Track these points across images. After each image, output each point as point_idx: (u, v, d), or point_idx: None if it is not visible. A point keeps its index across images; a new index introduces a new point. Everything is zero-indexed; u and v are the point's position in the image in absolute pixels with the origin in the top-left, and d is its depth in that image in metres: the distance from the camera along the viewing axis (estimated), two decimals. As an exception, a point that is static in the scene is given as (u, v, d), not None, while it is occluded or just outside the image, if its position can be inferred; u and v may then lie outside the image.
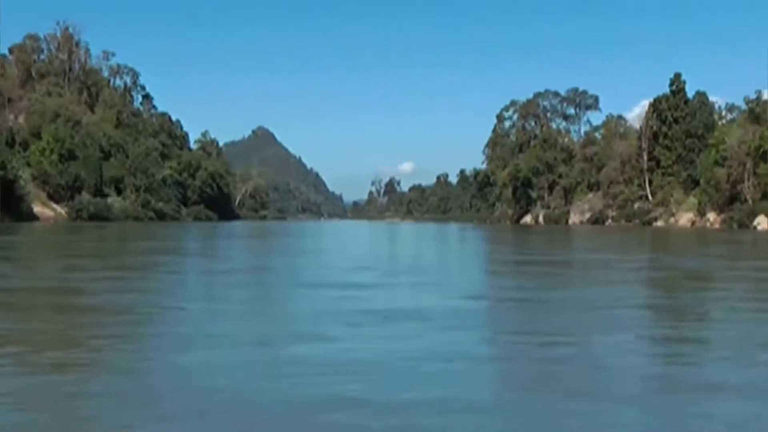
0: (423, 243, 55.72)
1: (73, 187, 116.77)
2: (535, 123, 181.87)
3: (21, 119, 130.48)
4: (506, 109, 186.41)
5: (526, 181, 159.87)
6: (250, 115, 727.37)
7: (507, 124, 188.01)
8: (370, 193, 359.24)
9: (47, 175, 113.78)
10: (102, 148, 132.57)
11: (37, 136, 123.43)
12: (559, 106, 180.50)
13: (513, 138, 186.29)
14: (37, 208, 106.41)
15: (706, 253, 41.18)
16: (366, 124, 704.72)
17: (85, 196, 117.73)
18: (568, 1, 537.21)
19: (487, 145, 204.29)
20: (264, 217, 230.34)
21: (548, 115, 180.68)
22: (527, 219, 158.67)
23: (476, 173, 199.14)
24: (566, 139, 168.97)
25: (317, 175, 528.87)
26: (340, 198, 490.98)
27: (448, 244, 55.12)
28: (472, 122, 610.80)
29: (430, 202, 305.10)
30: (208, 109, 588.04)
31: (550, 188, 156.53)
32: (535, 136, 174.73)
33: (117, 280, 20.82)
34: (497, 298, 18.65)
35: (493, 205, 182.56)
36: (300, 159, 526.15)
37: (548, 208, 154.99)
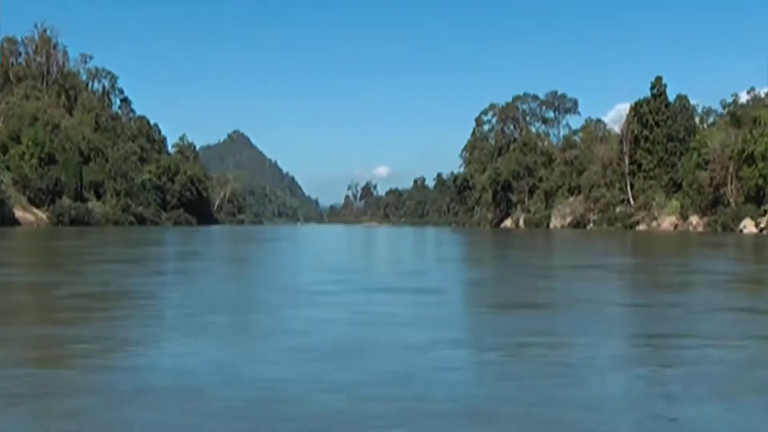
0: (419, 248, 55.05)
1: (54, 192, 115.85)
2: (514, 127, 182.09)
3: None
4: (485, 112, 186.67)
5: (506, 184, 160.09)
6: (225, 118, 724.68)
7: (486, 127, 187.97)
8: (347, 197, 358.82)
9: (27, 179, 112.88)
10: (81, 152, 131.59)
11: (16, 139, 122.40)
12: (538, 110, 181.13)
13: (492, 142, 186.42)
14: (18, 213, 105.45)
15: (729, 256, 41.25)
16: (341, 128, 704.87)
17: (66, 200, 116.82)
18: (546, 4, 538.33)
19: (464, 149, 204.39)
20: (242, 222, 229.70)
21: (527, 118, 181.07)
22: (507, 223, 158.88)
23: (455, 177, 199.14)
24: (546, 143, 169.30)
25: (293, 179, 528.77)
26: (316, 202, 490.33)
27: (448, 249, 54.50)
28: (449, 126, 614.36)
29: (407, 206, 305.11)
30: (184, 112, 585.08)
31: (531, 192, 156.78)
32: (515, 140, 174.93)
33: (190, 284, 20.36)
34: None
35: (473, 208, 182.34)
36: (276, 163, 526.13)
37: (528, 212, 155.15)
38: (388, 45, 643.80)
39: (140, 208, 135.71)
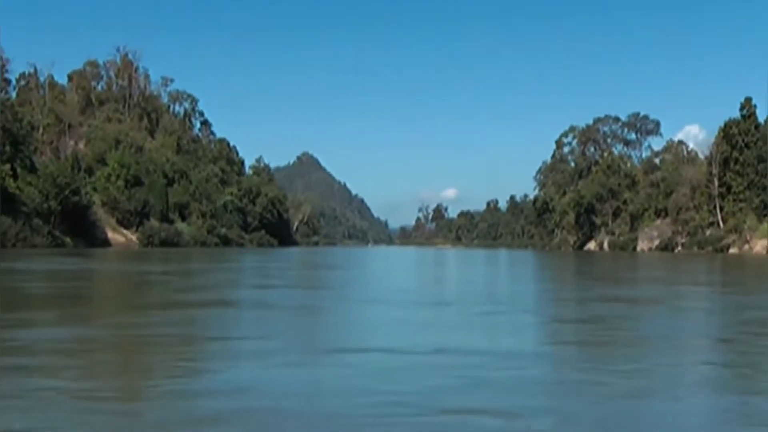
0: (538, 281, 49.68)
1: (141, 213, 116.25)
2: (595, 149, 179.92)
3: (81, 145, 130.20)
4: (565, 134, 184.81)
5: (590, 207, 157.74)
6: (294, 140, 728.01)
7: (566, 149, 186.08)
8: (418, 219, 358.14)
9: (116, 201, 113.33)
10: (165, 174, 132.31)
11: (102, 162, 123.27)
12: (619, 131, 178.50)
13: (572, 164, 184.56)
14: (109, 234, 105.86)
15: None
16: (409, 150, 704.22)
17: (153, 222, 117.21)
18: (611, 22, 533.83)
19: (539, 171, 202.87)
20: (316, 243, 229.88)
21: (608, 140, 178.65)
22: (590, 245, 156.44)
23: (534, 199, 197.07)
24: (628, 165, 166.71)
25: (362, 200, 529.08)
26: (386, 224, 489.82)
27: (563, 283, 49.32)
28: (517, 148, 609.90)
29: (479, 229, 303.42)
30: (253, 134, 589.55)
31: (615, 214, 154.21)
32: (596, 162, 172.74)
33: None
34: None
35: (552, 231, 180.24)
36: (345, 185, 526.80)
37: (613, 234, 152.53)
38: (457, 67, 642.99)
39: (224, 230, 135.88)
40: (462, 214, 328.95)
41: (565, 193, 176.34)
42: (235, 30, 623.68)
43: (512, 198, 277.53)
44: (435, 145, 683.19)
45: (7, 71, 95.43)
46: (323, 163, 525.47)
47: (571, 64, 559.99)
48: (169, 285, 30.86)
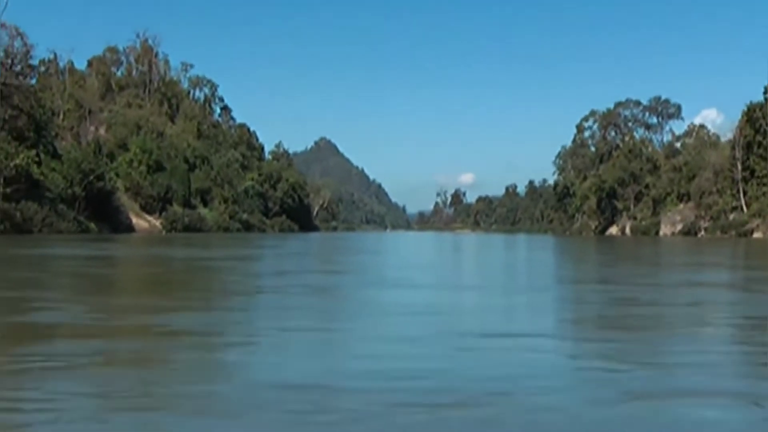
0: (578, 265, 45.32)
1: (164, 199, 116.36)
2: (616, 133, 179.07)
3: (102, 131, 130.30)
4: (586, 119, 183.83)
5: (611, 191, 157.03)
6: (312, 125, 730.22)
7: (586, 134, 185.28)
8: (436, 204, 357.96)
9: (139, 186, 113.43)
10: (186, 160, 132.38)
11: (123, 147, 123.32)
12: (640, 115, 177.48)
13: (592, 148, 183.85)
14: (133, 219, 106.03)
15: None
16: (426, 135, 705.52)
17: (176, 207, 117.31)
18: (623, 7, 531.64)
19: (558, 156, 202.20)
20: (335, 229, 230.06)
21: (629, 124, 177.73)
22: (612, 230, 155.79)
23: (555, 184, 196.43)
24: (650, 149, 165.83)
25: (379, 186, 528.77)
26: (403, 209, 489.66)
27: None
28: (534, 134, 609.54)
29: (497, 213, 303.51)
30: (270, 119, 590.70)
31: (636, 199, 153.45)
32: (617, 147, 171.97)
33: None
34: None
35: (573, 216, 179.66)
36: (362, 170, 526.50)
37: (635, 219, 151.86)
38: (470, 52, 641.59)
39: (245, 215, 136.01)
40: (480, 199, 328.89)
41: (585, 178, 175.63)
42: (253, 16, 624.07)
43: (531, 183, 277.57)
44: (451, 130, 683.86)
45: (31, 57, 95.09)
46: (341, 149, 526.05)
47: (590, 48, 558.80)
48: (237, 270, 30.76)
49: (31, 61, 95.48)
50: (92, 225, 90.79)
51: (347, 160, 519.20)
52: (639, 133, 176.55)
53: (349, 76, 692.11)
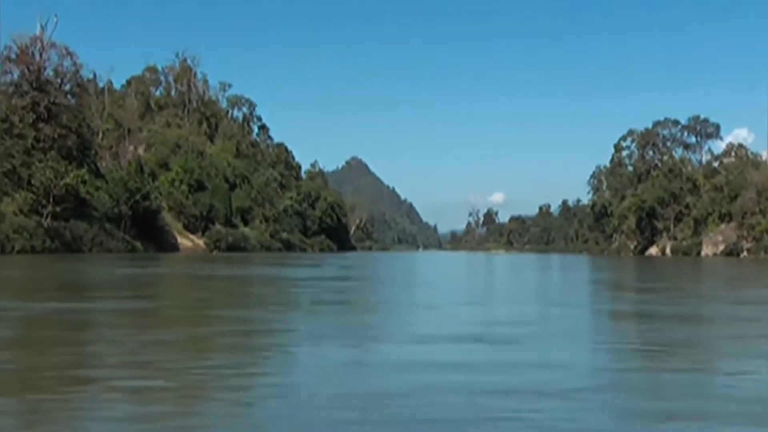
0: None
1: (207, 218, 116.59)
2: (654, 152, 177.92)
3: (140, 150, 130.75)
4: (624, 138, 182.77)
5: (651, 211, 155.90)
6: (343, 145, 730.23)
7: (624, 153, 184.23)
8: (468, 223, 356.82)
9: (182, 205, 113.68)
10: (227, 179, 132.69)
11: (164, 166, 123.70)
12: (679, 135, 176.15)
13: (629, 168, 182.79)
14: (177, 238, 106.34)
15: None
16: (456, 154, 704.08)
17: (218, 226, 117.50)
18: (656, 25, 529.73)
19: (593, 176, 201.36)
20: (370, 248, 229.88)
21: (668, 144, 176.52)
22: (652, 251, 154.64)
23: (592, 204, 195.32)
24: (689, 168, 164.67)
25: (411, 205, 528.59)
26: (435, 228, 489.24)
27: None
28: (566, 153, 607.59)
29: (531, 233, 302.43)
30: (303, 139, 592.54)
31: (677, 219, 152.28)
32: (655, 166, 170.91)
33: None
34: None
35: (611, 236, 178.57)
36: (394, 189, 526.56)
37: (675, 239, 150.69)
38: (503, 73, 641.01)
39: (285, 234, 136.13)
40: (513, 219, 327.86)
41: (623, 198, 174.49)
42: (287, 35, 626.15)
43: (564, 202, 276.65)
44: (482, 150, 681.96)
45: (80, 77, 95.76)
46: (372, 168, 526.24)
47: (622, 67, 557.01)
48: (329, 287, 31.43)
49: (80, 81, 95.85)
50: (138, 244, 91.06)
51: (378, 179, 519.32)
52: (677, 152, 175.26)
53: (380, 96, 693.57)
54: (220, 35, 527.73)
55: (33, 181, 79.20)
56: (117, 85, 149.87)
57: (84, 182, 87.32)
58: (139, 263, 54.62)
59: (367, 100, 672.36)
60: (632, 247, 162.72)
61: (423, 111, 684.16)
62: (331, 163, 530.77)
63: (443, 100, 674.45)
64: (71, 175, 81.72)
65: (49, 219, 78.70)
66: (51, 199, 79.61)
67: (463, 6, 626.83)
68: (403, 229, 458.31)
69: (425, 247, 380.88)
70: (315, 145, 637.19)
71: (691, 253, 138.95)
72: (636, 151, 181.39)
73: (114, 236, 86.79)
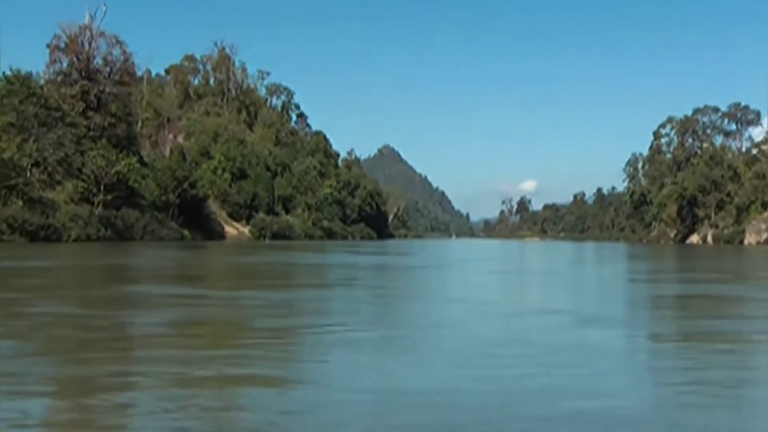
0: None
1: (250, 206, 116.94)
2: (693, 140, 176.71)
3: (180, 139, 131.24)
4: (663, 125, 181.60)
5: (692, 199, 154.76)
6: (375, 132, 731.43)
7: (663, 140, 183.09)
8: (502, 211, 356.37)
9: (226, 193, 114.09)
10: (268, 167, 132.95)
11: (205, 155, 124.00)
12: (719, 122, 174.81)
13: (668, 155, 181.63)
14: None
15: None
16: (487, 142, 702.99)
17: (262, 215, 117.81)
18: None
19: (629, 163, 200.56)
20: (405, 236, 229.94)
21: (708, 131, 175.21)
22: (693, 239, 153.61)
23: (631, 192, 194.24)
24: (730, 156, 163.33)
25: (443, 193, 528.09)
26: (467, 216, 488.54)
27: None
28: (598, 141, 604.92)
29: (565, 221, 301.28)
30: (335, 126, 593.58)
31: (718, 207, 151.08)
32: (695, 154, 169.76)
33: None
34: None
35: (650, 224, 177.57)
36: (426, 177, 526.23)
37: (716, 227, 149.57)
38: (533, 60, 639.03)
39: (326, 222, 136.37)
40: (547, 207, 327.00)
41: (662, 186, 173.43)
42: (321, 22, 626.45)
43: (599, 190, 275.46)
44: (513, 138, 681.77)
45: (131, 65, 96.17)
46: (404, 156, 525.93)
47: (656, 55, 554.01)
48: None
49: (130, 70, 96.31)
50: (186, 232, 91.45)
51: (410, 167, 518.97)
52: (717, 140, 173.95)
53: (413, 83, 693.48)
54: (255, 24, 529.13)
55: (84, 170, 79.70)
56: (156, 74, 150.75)
57: (131, 170, 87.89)
58: (228, 251, 55.62)
59: (398, 88, 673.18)
60: (672, 235, 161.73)
61: (453, 98, 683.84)
62: (363, 150, 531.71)
63: (473, 87, 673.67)
64: (122, 163, 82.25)
65: (100, 207, 79.21)
66: (102, 188, 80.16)
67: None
68: (435, 217, 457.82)
69: (458, 235, 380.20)
70: (347, 133, 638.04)
71: (733, 242, 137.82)
72: (675, 139, 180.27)
73: (164, 224, 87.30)
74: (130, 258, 42.38)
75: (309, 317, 15.89)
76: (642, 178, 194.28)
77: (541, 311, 17.58)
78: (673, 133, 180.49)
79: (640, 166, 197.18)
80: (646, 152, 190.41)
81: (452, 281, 31.58)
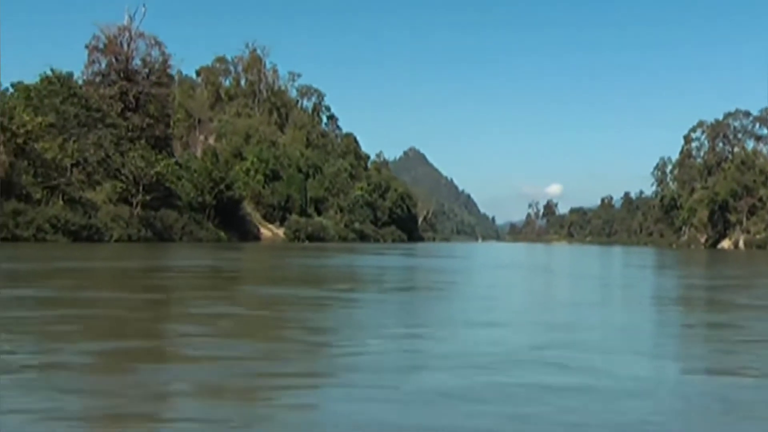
0: None
1: (284, 208, 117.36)
2: (724, 144, 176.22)
3: (211, 140, 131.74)
4: (693, 129, 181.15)
5: (724, 204, 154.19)
6: (401, 135, 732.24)
7: (694, 145, 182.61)
8: (528, 215, 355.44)
9: (260, 195, 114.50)
10: (300, 169, 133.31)
11: (238, 156, 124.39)
12: (750, 126, 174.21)
13: (698, 160, 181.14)
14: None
15: None
16: (512, 146, 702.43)
17: (295, 216, 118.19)
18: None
19: (657, 167, 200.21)
20: (434, 239, 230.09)
21: (739, 135, 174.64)
22: (724, 244, 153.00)
23: (661, 196, 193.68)
24: (761, 160, 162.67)
25: (468, 196, 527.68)
26: (493, 219, 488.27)
27: None
28: (624, 145, 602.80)
29: (592, 225, 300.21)
30: (362, 129, 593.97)
31: (750, 212, 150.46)
32: (726, 158, 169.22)
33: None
34: None
35: (680, 229, 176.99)
36: (451, 180, 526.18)
37: (748, 233, 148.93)
38: (559, 64, 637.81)
39: (357, 224, 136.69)
40: (574, 211, 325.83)
41: (693, 190, 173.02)
42: (344, 26, 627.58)
43: (627, 194, 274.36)
44: (539, 141, 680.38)
45: (169, 67, 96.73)
46: (430, 158, 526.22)
47: (680, 58, 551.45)
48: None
49: (169, 71, 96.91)
50: (222, 233, 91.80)
51: (436, 170, 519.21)
52: (749, 144, 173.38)
53: (437, 87, 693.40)
54: (286, 26, 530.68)
55: (123, 171, 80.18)
56: (185, 75, 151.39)
57: (169, 171, 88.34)
58: (279, 253, 55.98)
59: (424, 91, 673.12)
60: (702, 240, 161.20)
61: (479, 102, 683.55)
62: (389, 153, 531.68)
63: (499, 91, 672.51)
64: (162, 164, 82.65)
65: (138, 208, 79.66)
66: (140, 188, 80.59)
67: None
68: (461, 220, 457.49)
69: (484, 239, 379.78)
70: (373, 135, 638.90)
71: (765, 247, 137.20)
72: (706, 143, 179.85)
73: (202, 225, 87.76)
74: (196, 260, 42.05)
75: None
76: (670, 183, 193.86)
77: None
78: (703, 137, 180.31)
79: (668, 170, 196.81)
80: (673, 156, 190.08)
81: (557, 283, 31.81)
